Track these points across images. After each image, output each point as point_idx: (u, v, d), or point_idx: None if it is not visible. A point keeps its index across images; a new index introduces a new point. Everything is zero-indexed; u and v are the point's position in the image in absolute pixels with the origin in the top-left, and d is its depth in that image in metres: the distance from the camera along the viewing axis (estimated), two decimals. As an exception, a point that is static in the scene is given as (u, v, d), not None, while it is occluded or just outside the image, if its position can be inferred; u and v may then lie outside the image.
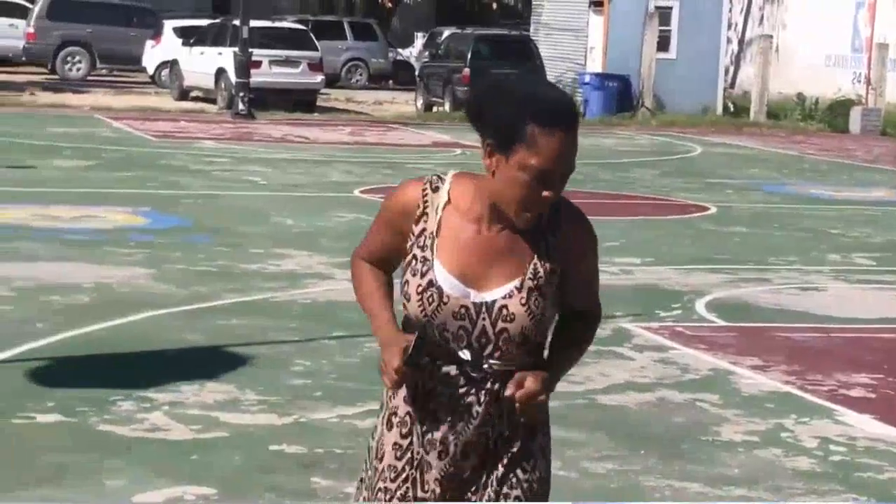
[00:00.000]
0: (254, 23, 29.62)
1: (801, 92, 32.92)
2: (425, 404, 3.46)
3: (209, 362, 8.55)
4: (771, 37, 34.42)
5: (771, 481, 6.67)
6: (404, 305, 3.45)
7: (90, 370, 8.31)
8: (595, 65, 32.62)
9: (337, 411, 7.55)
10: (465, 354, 3.41)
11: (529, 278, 3.39)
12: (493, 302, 3.39)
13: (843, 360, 9.25)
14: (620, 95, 31.72)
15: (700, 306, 10.92)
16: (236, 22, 29.68)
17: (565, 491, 6.43)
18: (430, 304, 3.39)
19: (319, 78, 32.05)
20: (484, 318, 3.39)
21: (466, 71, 31.11)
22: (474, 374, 3.42)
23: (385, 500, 3.50)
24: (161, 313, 9.83)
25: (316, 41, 32.91)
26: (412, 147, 24.11)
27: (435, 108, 32.27)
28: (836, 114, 31.64)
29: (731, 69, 37.50)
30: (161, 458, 6.65)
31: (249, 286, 10.97)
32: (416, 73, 35.61)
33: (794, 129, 30.76)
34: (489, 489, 3.48)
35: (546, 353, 3.54)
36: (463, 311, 3.39)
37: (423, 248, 3.42)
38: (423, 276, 3.40)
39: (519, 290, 3.39)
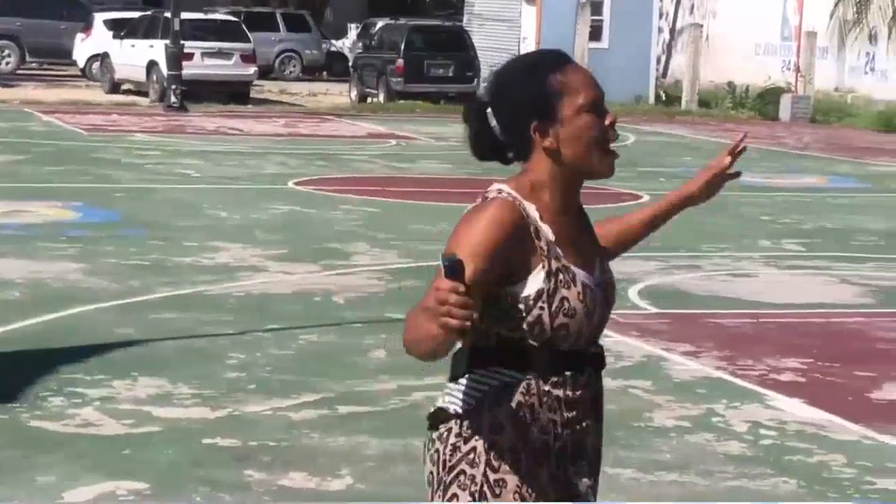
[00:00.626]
0: (185, 14, 29.46)
1: (731, 80, 33.13)
2: (573, 420, 3.18)
3: (142, 357, 8.51)
4: (701, 26, 34.62)
5: (702, 466, 6.73)
6: (563, 328, 3.12)
7: (21, 366, 8.25)
8: (528, 55, 32.68)
9: (271, 404, 7.54)
10: (597, 348, 3.26)
11: (600, 248, 3.32)
12: (605, 281, 3.26)
13: (773, 346, 9.34)
14: (554, 85, 31.78)
15: (633, 294, 10.99)
16: (168, 14, 29.49)
17: (499, 479, 6.46)
18: (594, 307, 3.17)
19: (252, 70, 31.92)
20: (606, 300, 3.26)
21: (400, 62, 31.10)
22: (601, 366, 3.27)
23: None
24: (93, 308, 9.77)
25: (248, 33, 32.77)
26: (347, 138, 24.08)
27: (369, 100, 32.22)
28: (766, 101, 31.90)
29: (663, 58, 37.68)
30: (93, 454, 6.62)
31: (183, 279, 10.93)
32: (350, 64, 35.53)
33: (725, 117, 30.98)
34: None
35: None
36: (603, 300, 3.23)
37: (558, 259, 3.15)
38: (574, 283, 3.15)
39: (602, 261, 3.29)
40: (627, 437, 7.16)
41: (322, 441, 6.95)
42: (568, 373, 3.16)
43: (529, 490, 3.12)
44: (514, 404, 3.13)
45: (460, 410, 3.16)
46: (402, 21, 33.76)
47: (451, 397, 3.20)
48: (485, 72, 32.76)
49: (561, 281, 3.13)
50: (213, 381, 7.97)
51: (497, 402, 3.14)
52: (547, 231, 3.15)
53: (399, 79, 31.14)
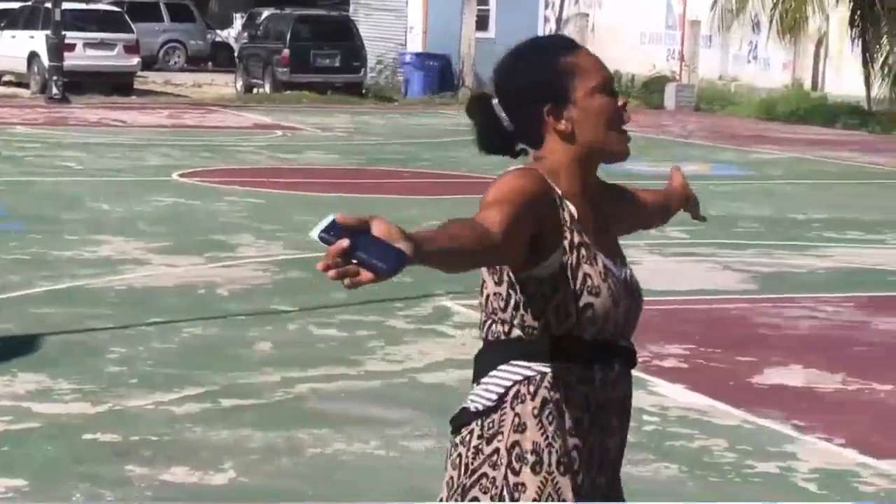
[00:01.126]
0: (66, 4, 29.05)
1: (617, 69, 33.33)
2: (600, 414, 3.06)
3: (21, 352, 8.36)
4: (587, 15, 34.84)
5: (587, 453, 6.74)
6: (591, 305, 2.99)
7: None
8: (415, 44, 32.69)
9: (153, 398, 7.44)
10: (624, 341, 3.11)
11: (619, 246, 3.19)
12: (628, 273, 3.14)
13: (657, 332, 9.40)
14: (442, 75, 31.84)
15: (519, 282, 11.01)
16: (48, 4, 29.04)
17: (383, 470, 6.43)
18: (617, 291, 3.03)
19: (136, 60, 31.57)
20: (632, 297, 3.12)
21: (286, 52, 30.93)
22: (635, 361, 3.15)
23: None
24: (-29, 303, 9.59)
25: (131, 23, 32.39)
26: (232, 129, 23.89)
27: (255, 90, 32.01)
28: (651, 90, 32.19)
29: (550, 47, 37.84)
30: (-30, 452, 6.49)
31: (64, 273, 10.76)
32: (236, 54, 35.28)
33: (611, 106, 31.16)
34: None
35: None
36: (626, 288, 3.10)
37: (581, 234, 3.03)
38: (596, 261, 3.02)
39: (622, 259, 3.17)
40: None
41: (205, 435, 6.87)
42: (597, 365, 3.03)
43: (551, 496, 3.01)
44: (538, 401, 3.01)
45: (482, 408, 3.05)
46: (287, 11, 33.58)
47: (474, 397, 3.09)
48: (371, 61, 32.73)
49: (583, 256, 3.00)
50: (94, 376, 7.85)
51: (520, 398, 3.02)
52: (570, 205, 3.04)
53: (285, 69, 30.96)
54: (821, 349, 8.88)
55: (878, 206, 16.24)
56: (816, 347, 8.87)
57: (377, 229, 2.54)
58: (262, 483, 6.22)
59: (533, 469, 3.00)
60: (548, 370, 3.00)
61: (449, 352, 8.71)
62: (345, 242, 2.52)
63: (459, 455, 3.06)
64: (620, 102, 3.09)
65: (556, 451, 3.00)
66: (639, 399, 7.65)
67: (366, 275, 2.52)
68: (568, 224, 3.01)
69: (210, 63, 41.89)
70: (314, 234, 2.55)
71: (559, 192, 3.04)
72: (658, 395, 7.87)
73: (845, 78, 28.38)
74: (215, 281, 10.68)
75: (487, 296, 3.11)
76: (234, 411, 7.30)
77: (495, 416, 3.02)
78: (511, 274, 3.03)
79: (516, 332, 3.05)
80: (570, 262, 2.99)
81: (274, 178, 17.22)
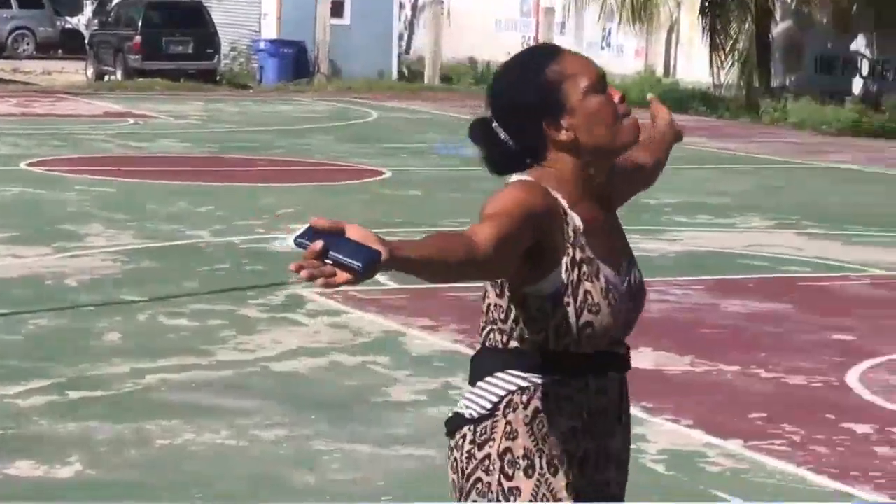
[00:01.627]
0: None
1: (472, 56, 33.48)
2: (596, 422, 3.10)
3: None
4: (442, 2, 34.88)
5: (439, 438, 6.73)
6: (588, 325, 3.02)
7: None
8: (270, 31, 32.44)
9: (-2, 391, 7.29)
10: (621, 349, 3.15)
11: (629, 249, 3.19)
12: (634, 280, 3.15)
13: (510, 317, 9.44)
14: (296, 62, 31.64)
15: (373, 269, 10.98)
16: None
17: (233, 460, 6.37)
18: (617, 305, 3.05)
19: (-17, 48, 30.90)
20: (633, 301, 3.13)
21: (138, 39, 30.52)
22: (627, 369, 3.17)
23: None
24: None
25: (-21, 10, 31.70)
26: (83, 118, 23.49)
27: (106, 78, 31.52)
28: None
29: (406, 35, 37.86)
30: None
31: None
32: (86, 41, 34.71)
33: (467, 93, 31.27)
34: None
35: None
36: (630, 300, 3.12)
37: (583, 249, 3.03)
38: (597, 277, 3.04)
39: (632, 259, 3.18)
40: (365, 413, 7.14)
41: (51, 427, 6.74)
42: (591, 376, 3.08)
43: (546, 496, 3.04)
44: (530, 410, 3.04)
45: (476, 415, 3.07)
46: (139, -3, 33.10)
47: (468, 401, 3.10)
48: (225, 48, 32.42)
49: (584, 273, 3.02)
50: (-63, 370, 7.66)
51: (513, 406, 3.04)
52: (575, 218, 3.04)
53: (137, 56, 30.55)
54: (670, 332, 8.99)
55: (727, 191, 16.50)
56: (666, 330, 8.98)
57: (352, 232, 2.58)
58: (109, 475, 6.12)
59: (525, 473, 3.04)
60: (542, 381, 3.04)
61: (302, 340, 8.66)
62: (319, 244, 2.56)
63: (455, 459, 3.10)
64: (616, 97, 3.09)
65: (547, 455, 3.05)
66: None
67: (342, 275, 2.53)
68: (572, 239, 3.02)
69: (60, 50, 41.15)
70: (290, 241, 2.60)
71: (565, 203, 3.04)
72: (510, 379, 7.90)
73: (696, 65, 28.79)
74: (63, 271, 10.50)
75: (489, 305, 3.11)
76: (81, 403, 7.18)
77: (488, 423, 3.06)
78: (511, 290, 3.04)
79: (514, 344, 3.07)
80: (571, 279, 3.01)
81: (125, 166, 16.98)
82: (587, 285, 3.02)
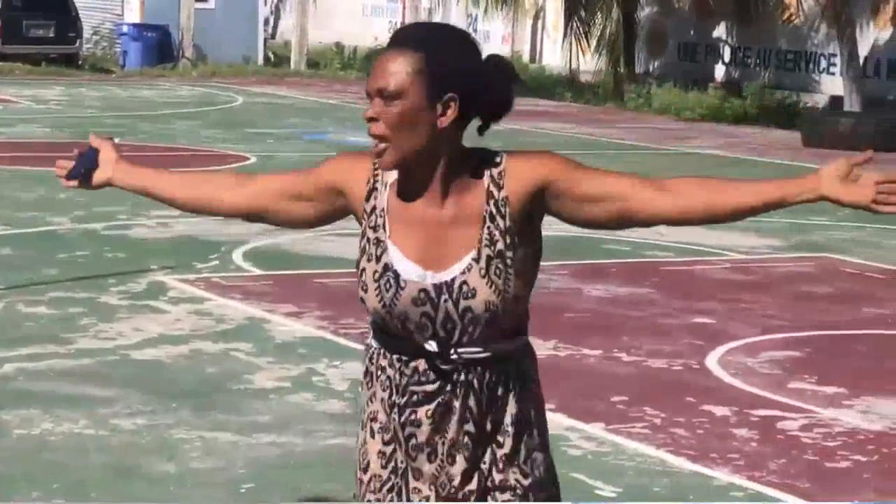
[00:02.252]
0: None
1: (339, 41, 33.38)
2: (403, 406, 3.11)
3: None
4: (309, -14, 34.71)
5: (301, 425, 6.72)
6: (362, 299, 3.12)
7: None
8: (133, 15, 32.02)
9: None
10: (432, 346, 3.08)
11: (486, 246, 3.06)
12: (453, 280, 3.05)
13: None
14: (160, 46, 31.28)
15: (237, 256, 10.91)
16: None
17: (92, 449, 6.28)
18: (387, 291, 3.06)
19: None
20: (446, 300, 3.05)
21: (-2, 22, 29.96)
22: (444, 367, 3.08)
23: None
24: None
25: None
26: (-60, 102, 22.99)
27: (-35, 62, 30.87)
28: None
29: (272, 19, 37.62)
30: None
31: None
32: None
33: (333, 78, 31.19)
34: (489, 496, 3.14)
35: (522, 336, 3.19)
36: (423, 295, 3.06)
37: (375, 229, 3.09)
38: (377, 260, 3.08)
39: (476, 261, 3.06)
40: (227, 401, 7.09)
41: None
42: (395, 356, 3.12)
43: (363, 454, 3.19)
44: (364, 369, 3.20)
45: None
46: (-1, -21, 32.46)
47: None
48: (87, 32, 31.93)
49: (365, 251, 3.11)
50: None
51: (364, 359, 3.22)
52: (383, 197, 3.10)
53: (-2, 40, 29.98)
54: (534, 317, 8.99)
55: (592, 176, 16.62)
56: (531, 315, 9.01)
57: (101, 150, 3.43)
58: (-37, 467, 6.00)
59: (361, 425, 3.22)
60: (372, 345, 3.19)
61: (163, 328, 8.56)
62: (75, 151, 3.44)
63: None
64: (365, 114, 3.08)
65: (366, 414, 3.18)
66: (356, 370, 7.69)
67: (66, 177, 3.41)
68: (367, 215, 3.11)
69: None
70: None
71: (388, 180, 3.11)
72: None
73: (562, 50, 29.00)
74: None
75: None
76: (-65, 394, 7.03)
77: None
78: None
79: None
80: (359, 249, 3.14)
81: (-16, 152, 16.66)
82: (364, 262, 3.12)
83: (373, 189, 3.12)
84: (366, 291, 3.10)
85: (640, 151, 19.73)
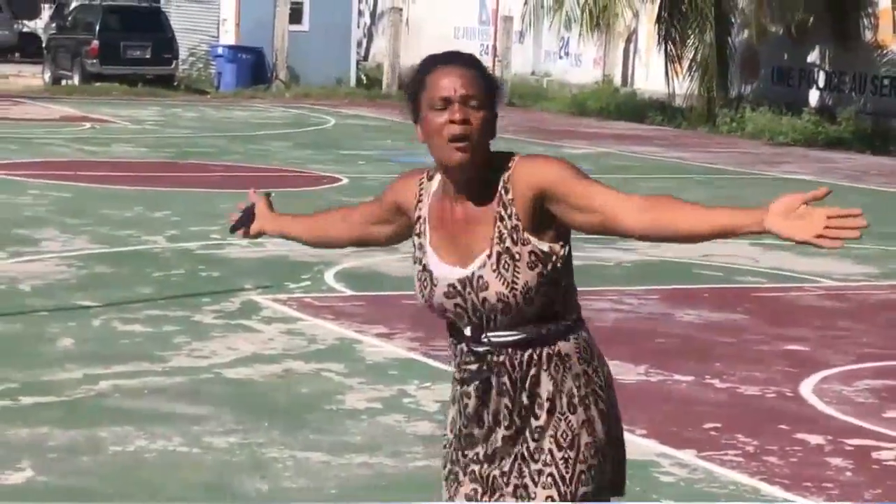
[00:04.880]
0: None
1: (431, 64, 33.43)
2: (460, 382, 3.56)
3: None
4: (401, 9, 34.89)
5: (392, 447, 6.74)
6: (414, 295, 3.59)
7: None
8: (228, 37, 32.36)
9: (-52, 397, 7.23)
10: (467, 330, 3.50)
11: (496, 243, 3.45)
12: (472, 274, 3.46)
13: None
14: (254, 68, 31.59)
15: (329, 276, 10.97)
16: None
17: (186, 467, 6.34)
18: (425, 289, 3.52)
19: (-61, 50, 30.68)
20: (469, 293, 3.46)
21: (95, 43, 30.41)
22: (478, 349, 3.48)
23: (443, 468, 3.63)
24: None
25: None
26: (39, 122, 23.37)
27: (64, 82, 31.37)
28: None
29: (364, 41, 37.85)
30: None
31: None
32: (44, 45, 34.52)
33: (425, 101, 31.25)
34: (518, 461, 3.50)
35: (553, 321, 3.48)
36: (451, 289, 3.48)
37: (419, 235, 3.57)
38: (419, 262, 3.55)
39: (489, 257, 3.45)
40: (318, 421, 7.12)
41: (2, 433, 6.69)
42: (452, 339, 3.54)
43: (446, 420, 3.62)
44: (448, 348, 3.60)
45: None
46: (97, 1, 32.96)
47: None
48: (183, 53, 32.31)
49: (414, 255, 3.58)
50: None
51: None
52: (424, 208, 3.56)
53: (94, 60, 30.42)
54: (625, 341, 9.01)
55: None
56: (621, 339, 8.99)
57: (257, 205, 4.01)
58: (60, 482, 6.08)
59: (451, 401, 3.63)
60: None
61: (256, 347, 8.63)
62: (241, 205, 4.03)
63: None
64: (447, 118, 3.38)
65: (453, 390, 3.60)
66: (447, 392, 7.71)
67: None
68: (415, 224, 3.58)
69: (17, 54, 40.92)
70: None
71: (431, 190, 3.56)
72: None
73: (654, 74, 28.90)
74: (17, 276, 10.43)
75: None
76: (33, 409, 7.13)
77: None
78: None
79: None
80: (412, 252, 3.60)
81: (81, 171, 16.89)
82: (413, 265, 3.59)
83: (419, 201, 3.59)
84: (415, 290, 3.54)
85: (730, 176, 19.60)
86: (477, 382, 3.49)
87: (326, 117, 26.32)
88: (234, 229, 3.98)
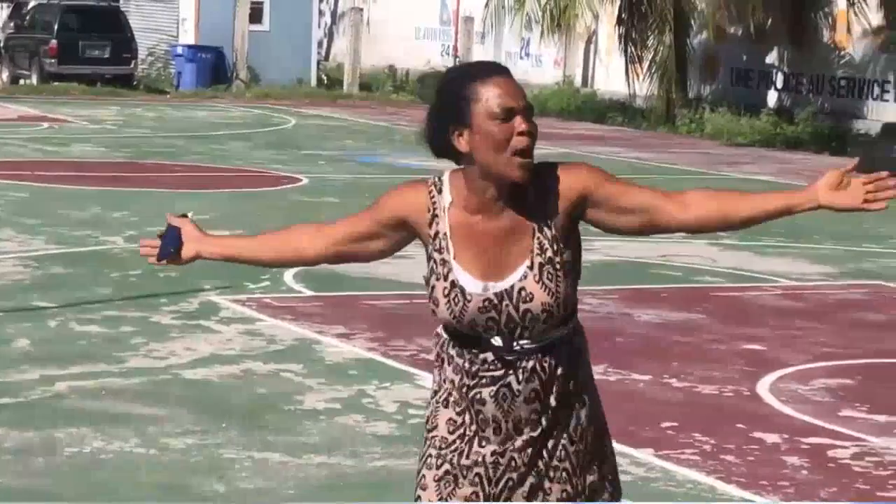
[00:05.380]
0: None
1: (392, 64, 33.48)
2: (471, 387, 3.50)
3: None
4: (361, 10, 34.86)
5: (351, 447, 6.74)
6: (433, 311, 3.50)
7: None
8: (188, 36, 32.26)
9: None
10: (497, 341, 3.48)
11: (537, 254, 3.43)
12: (512, 287, 3.44)
13: (425, 325, 9.42)
14: (214, 68, 31.50)
15: (288, 277, 10.95)
16: None
17: (142, 468, 6.31)
18: (456, 305, 3.45)
19: None
20: (507, 305, 3.44)
21: (54, 43, 30.27)
22: (509, 357, 3.47)
23: (431, 467, 3.54)
24: None
25: None
26: (-3, 121, 23.23)
27: (22, 81, 31.21)
28: (426, 86, 32.36)
29: (325, 41, 37.79)
30: None
31: None
32: (1, 44, 34.30)
33: (386, 101, 31.29)
34: (540, 461, 3.52)
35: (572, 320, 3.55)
36: (487, 304, 3.44)
37: (440, 251, 3.47)
38: (445, 278, 3.46)
39: (531, 268, 3.43)
40: (276, 421, 7.11)
41: (-43, 435, 6.65)
42: (466, 348, 3.49)
43: (431, 421, 3.56)
44: (435, 353, 3.58)
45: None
46: (55, 1, 32.78)
47: None
48: (143, 53, 32.18)
49: (434, 271, 3.47)
50: None
51: (434, 344, 3.62)
52: (444, 221, 3.45)
53: (53, 60, 30.27)
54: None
55: (643, 201, 16.59)
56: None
57: (183, 228, 3.67)
58: (15, 484, 6.05)
59: (430, 397, 3.60)
60: (442, 335, 3.57)
61: (214, 347, 8.61)
62: (159, 230, 3.63)
63: None
64: (517, 129, 3.36)
65: (441, 389, 3.55)
66: (405, 393, 7.74)
67: (153, 254, 3.66)
68: (432, 239, 3.46)
69: (-26, 54, 40.63)
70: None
71: (445, 204, 3.45)
72: (425, 388, 7.88)
73: (614, 75, 28.97)
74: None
75: None
76: (-12, 411, 7.09)
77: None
78: None
79: None
80: (427, 270, 3.49)
81: (39, 171, 16.80)
82: (433, 281, 3.48)
83: (434, 216, 3.47)
84: (437, 306, 3.47)
85: (691, 177, 19.66)
86: (495, 388, 3.48)
87: (287, 117, 26.27)
88: (161, 258, 3.60)
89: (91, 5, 32.46)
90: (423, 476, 3.54)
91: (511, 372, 3.48)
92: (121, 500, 5.92)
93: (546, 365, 3.49)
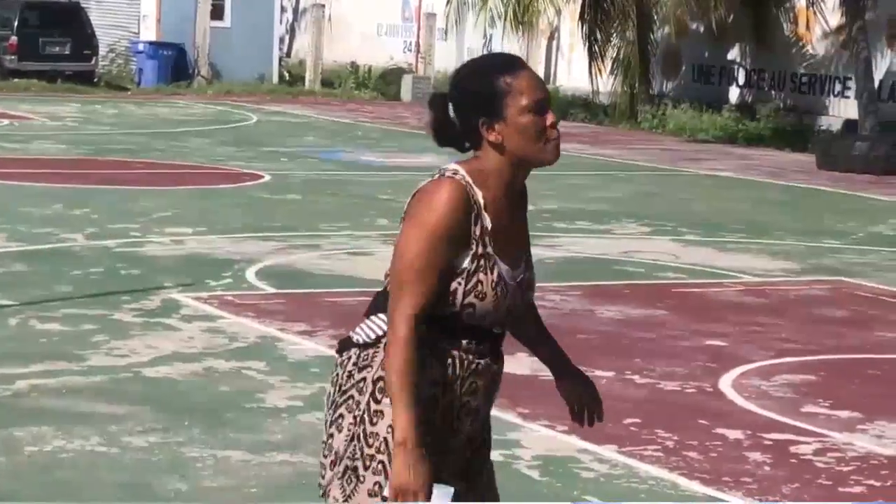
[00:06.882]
0: None
1: (354, 60, 33.44)
2: (465, 378, 3.57)
3: None
4: (324, 6, 34.78)
5: (313, 445, 6.70)
6: (471, 306, 3.51)
7: None
8: (149, 33, 32.11)
9: None
10: (498, 330, 3.63)
11: (529, 244, 3.70)
12: (524, 276, 3.64)
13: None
14: (176, 64, 31.37)
15: (250, 274, 10.91)
16: None
17: (104, 467, 6.28)
18: (503, 297, 3.55)
19: None
20: (520, 293, 3.63)
21: (14, 39, 30.07)
22: (500, 347, 3.67)
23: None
24: None
25: None
26: (-44, 118, 23.07)
27: (-19, 78, 30.98)
28: (388, 82, 32.35)
29: (287, 38, 37.71)
30: None
31: None
32: (-39, 41, 34.07)
33: (348, 97, 31.24)
34: (481, 448, 3.72)
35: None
36: (516, 293, 3.60)
37: (485, 245, 3.54)
38: (492, 271, 3.54)
39: (529, 257, 3.68)
40: (238, 419, 7.08)
41: (-84, 435, 6.59)
42: (464, 340, 3.55)
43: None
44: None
45: (361, 342, 3.55)
46: (15, -3, 32.57)
47: (359, 329, 3.58)
48: (103, 49, 32.03)
49: (481, 266, 3.52)
50: None
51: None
52: (486, 219, 3.53)
53: (12, 56, 30.08)
54: (547, 337, 9.01)
55: (604, 197, 16.64)
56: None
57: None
58: (-25, 484, 5.99)
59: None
60: (424, 332, 3.50)
61: (176, 345, 8.56)
62: None
63: (337, 375, 3.59)
64: (549, 122, 3.53)
65: (437, 387, 3.54)
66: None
67: None
68: (478, 237, 3.52)
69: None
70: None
71: (482, 201, 3.52)
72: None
73: (576, 71, 29.01)
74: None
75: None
76: (-52, 410, 7.03)
77: (370, 351, 3.53)
78: None
79: None
80: (469, 269, 3.52)
81: (-1, 168, 16.70)
82: (481, 276, 3.52)
83: (477, 214, 3.54)
84: (482, 299, 3.51)
85: (653, 172, 19.72)
86: (487, 377, 3.62)
87: (249, 114, 26.19)
88: None
89: (51, 2, 32.26)
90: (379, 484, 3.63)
91: (497, 360, 3.67)
92: (82, 499, 5.88)
93: (496, 358, 3.68)
